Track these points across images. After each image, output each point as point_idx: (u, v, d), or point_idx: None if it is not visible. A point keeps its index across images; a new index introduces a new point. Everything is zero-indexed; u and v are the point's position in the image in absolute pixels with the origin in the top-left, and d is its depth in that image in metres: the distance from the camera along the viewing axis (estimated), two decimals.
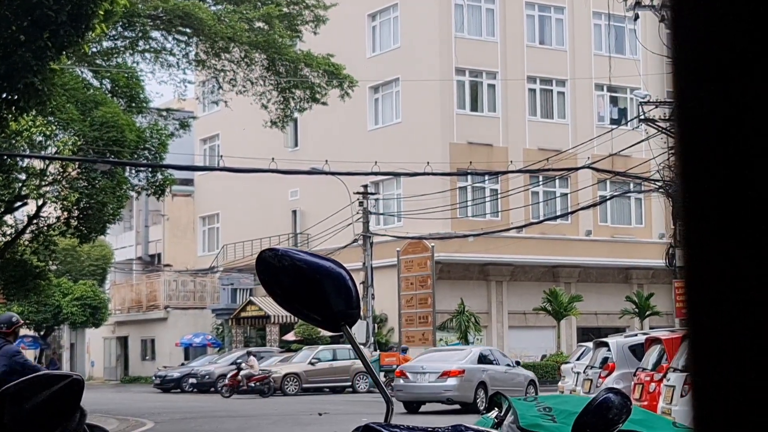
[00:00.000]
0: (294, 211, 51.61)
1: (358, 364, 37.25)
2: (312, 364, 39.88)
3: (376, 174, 30.82)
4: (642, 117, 28.61)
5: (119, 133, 25.77)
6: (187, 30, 30.79)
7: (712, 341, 0.88)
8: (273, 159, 29.76)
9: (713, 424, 0.88)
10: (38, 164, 27.01)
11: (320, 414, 25.61)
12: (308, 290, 2.30)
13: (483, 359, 29.18)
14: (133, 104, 29.29)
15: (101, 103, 26.62)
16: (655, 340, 19.04)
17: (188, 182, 57.67)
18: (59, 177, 26.58)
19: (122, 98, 29.09)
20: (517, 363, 31.36)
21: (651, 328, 36.36)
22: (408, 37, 45.78)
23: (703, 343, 0.89)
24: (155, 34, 31.51)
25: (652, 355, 18.71)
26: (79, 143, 25.23)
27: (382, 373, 34.85)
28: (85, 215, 26.44)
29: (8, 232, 28.33)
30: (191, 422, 25.19)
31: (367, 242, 40.22)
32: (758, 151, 0.85)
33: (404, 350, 38.49)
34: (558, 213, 43.38)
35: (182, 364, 50.36)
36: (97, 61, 30.18)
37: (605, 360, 22.40)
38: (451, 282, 43.65)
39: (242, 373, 38.48)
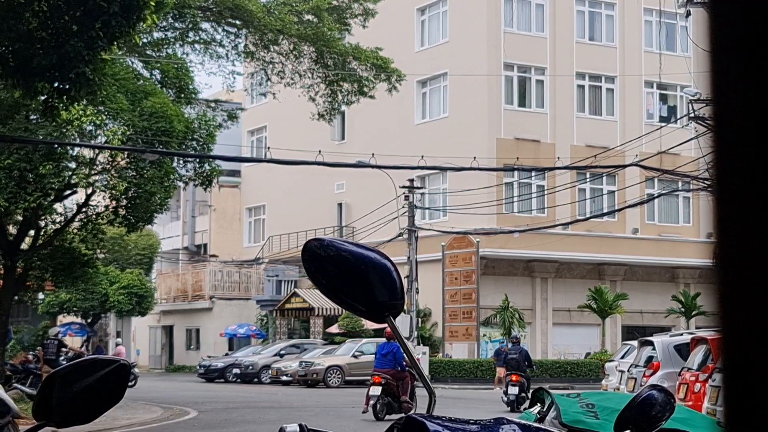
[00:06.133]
0: (339, 204, 51.71)
1: None
2: (355, 356, 39.95)
3: (422, 168, 30.74)
4: (692, 115, 28.31)
5: (168, 124, 25.92)
6: (237, 22, 30.92)
7: (745, 339, 0.87)
8: (320, 151, 29.83)
9: (745, 422, 0.88)
10: (88, 153, 27.22)
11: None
12: (353, 280, 2.30)
13: None
14: (182, 95, 29.43)
15: (151, 93, 26.78)
16: (701, 340, 18.86)
17: (235, 173, 58.00)
18: (108, 166, 26.77)
19: (171, 89, 29.25)
20: None
21: (697, 328, 36.03)
22: (456, 32, 45.66)
23: (735, 341, 0.88)
24: (205, 25, 31.65)
25: (697, 355, 18.55)
26: (128, 133, 25.39)
27: None
28: (133, 204, 26.62)
29: (58, 220, 28.65)
30: (234, 412, 25.35)
31: (412, 236, 40.19)
32: None
33: None
34: (605, 210, 43.09)
35: (226, 354, 50.70)
36: (148, 52, 30.37)
37: (650, 359, 22.24)
38: (495, 278, 43.53)
39: None
